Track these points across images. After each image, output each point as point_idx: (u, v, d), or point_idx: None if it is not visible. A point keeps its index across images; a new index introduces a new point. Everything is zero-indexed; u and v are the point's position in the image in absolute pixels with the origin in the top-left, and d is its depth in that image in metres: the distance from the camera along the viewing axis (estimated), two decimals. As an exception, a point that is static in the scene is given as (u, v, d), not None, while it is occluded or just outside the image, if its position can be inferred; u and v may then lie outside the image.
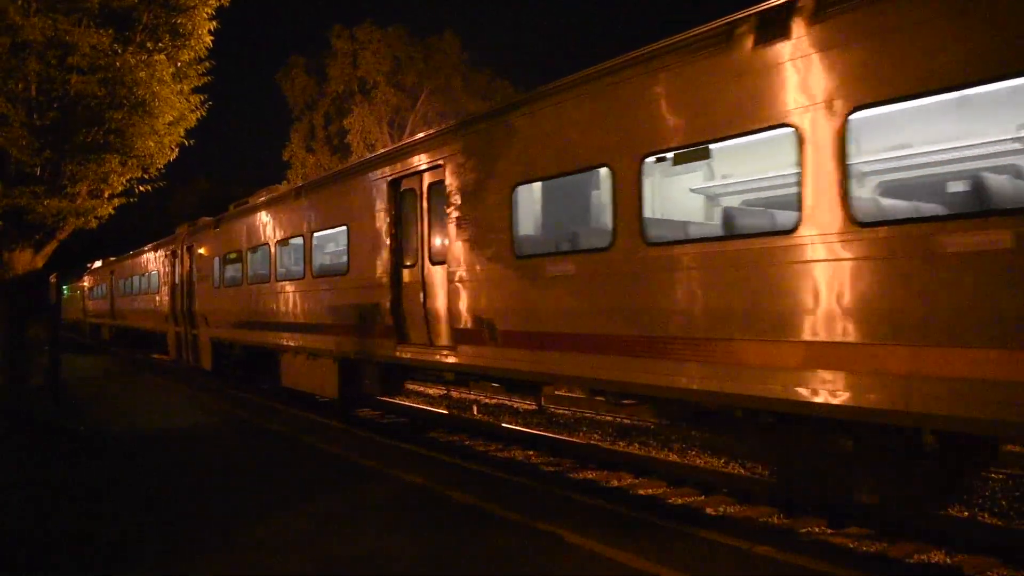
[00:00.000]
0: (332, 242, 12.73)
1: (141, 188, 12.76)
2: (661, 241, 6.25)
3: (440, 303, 9.01)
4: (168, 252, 21.68)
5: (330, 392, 12.01)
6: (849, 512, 6.64)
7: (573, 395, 12.56)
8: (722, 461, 9.05)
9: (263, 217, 14.52)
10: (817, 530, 6.55)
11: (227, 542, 5.66)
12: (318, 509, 6.45)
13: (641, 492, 8.02)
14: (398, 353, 9.82)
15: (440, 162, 8.94)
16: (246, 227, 15.28)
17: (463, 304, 8.50)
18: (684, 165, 6.86)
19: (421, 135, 10.00)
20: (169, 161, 12.45)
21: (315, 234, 12.26)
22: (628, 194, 6.36)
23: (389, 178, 10.03)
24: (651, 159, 6.29)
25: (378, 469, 7.88)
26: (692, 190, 8.48)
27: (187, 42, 11.61)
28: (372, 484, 7.35)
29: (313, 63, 35.29)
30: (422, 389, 15.96)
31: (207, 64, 12.33)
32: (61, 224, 12.10)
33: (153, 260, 24.14)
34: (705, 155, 6.16)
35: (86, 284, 40.15)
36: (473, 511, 6.23)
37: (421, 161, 9.38)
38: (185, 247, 19.66)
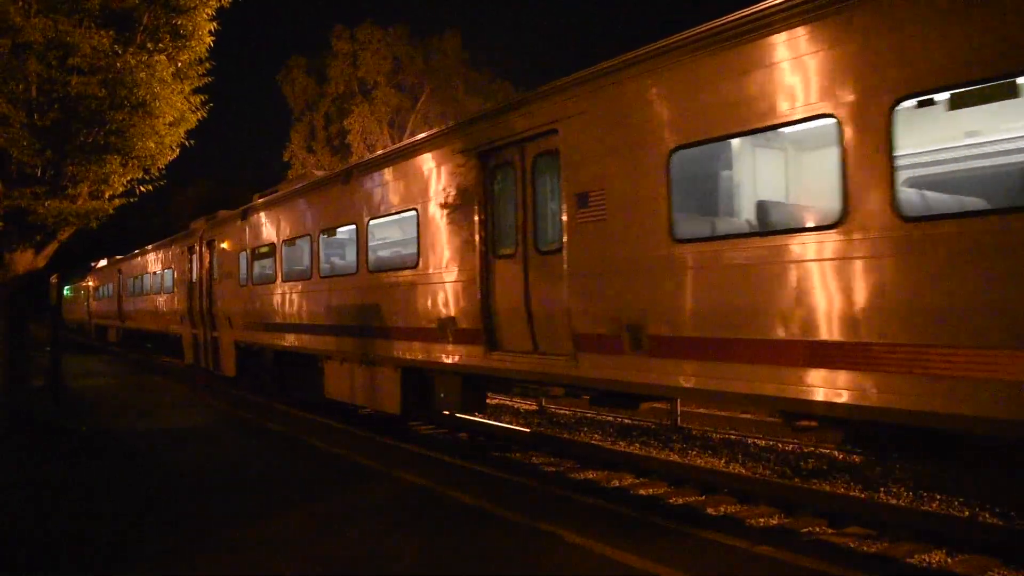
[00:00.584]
0: (394, 231, 11.16)
1: (142, 189, 12.76)
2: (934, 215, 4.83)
3: (552, 301, 7.43)
4: (183, 248, 20.25)
5: (390, 406, 10.28)
6: (849, 512, 6.65)
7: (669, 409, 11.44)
8: (722, 461, 9.05)
9: (302, 206, 13.02)
10: (817, 530, 6.55)
11: (227, 542, 5.66)
12: (318, 509, 6.46)
13: (642, 492, 8.02)
14: (489, 362, 8.25)
15: (553, 127, 7.36)
16: (281, 218, 13.85)
17: (589, 302, 6.92)
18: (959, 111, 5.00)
19: (522, 96, 8.21)
20: (169, 162, 12.45)
21: (371, 222, 10.57)
22: (868, 153, 4.89)
23: (477, 150, 8.39)
24: (910, 103, 4.76)
25: (379, 469, 7.88)
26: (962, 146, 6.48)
27: (187, 43, 11.58)
28: (373, 484, 7.36)
29: (313, 63, 35.31)
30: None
31: (207, 65, 12.32)
32: (62, 225, 12.10)
33: (166, 257, 22.75)
34: (1011, 93, 4.52)
35: (91, 284, 39.84)
36: (474, 511, 6.23)
37: (524, 127, 7.72)
38: (204, 242, 18.29)
